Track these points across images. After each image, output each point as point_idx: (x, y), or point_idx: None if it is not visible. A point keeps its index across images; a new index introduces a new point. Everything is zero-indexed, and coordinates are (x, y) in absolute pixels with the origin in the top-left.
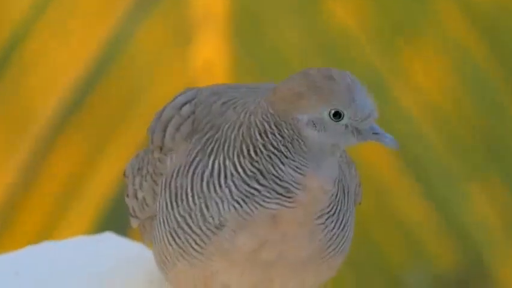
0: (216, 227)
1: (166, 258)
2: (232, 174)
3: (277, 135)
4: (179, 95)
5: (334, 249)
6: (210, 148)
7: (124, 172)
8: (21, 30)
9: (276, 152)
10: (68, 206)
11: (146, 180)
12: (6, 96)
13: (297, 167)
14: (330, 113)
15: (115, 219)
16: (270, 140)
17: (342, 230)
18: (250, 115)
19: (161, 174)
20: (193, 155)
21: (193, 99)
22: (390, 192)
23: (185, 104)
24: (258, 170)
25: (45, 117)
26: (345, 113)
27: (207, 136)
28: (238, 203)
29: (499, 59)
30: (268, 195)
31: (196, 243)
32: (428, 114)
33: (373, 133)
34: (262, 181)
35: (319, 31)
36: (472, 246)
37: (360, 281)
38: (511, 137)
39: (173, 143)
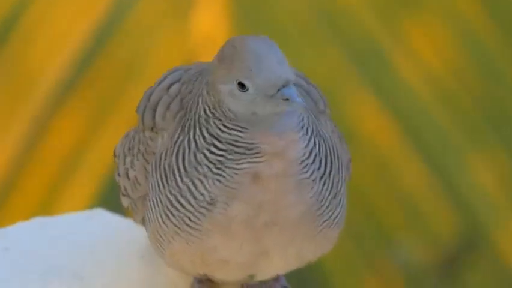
0: (209, 203)
1: (161, 237)
2: (202, 147)
3: (211, 104)
4: (166, 76)
5: (328, 218)
6: (186, 126)
7: (114, 152)
8: (21, 2)
9: (218, 117)
10: (66, 181)
11: (138, 159)
12: (5, 71)
13: (240, 129)
14: (237, 83)
15: (113, 194)
16: (209, 108)
17: (334, 197)
18: (202, 86)
19: (153, 153)
20: (176, 136)
21: (180, 79)
22: (390, 161)
23: (172, 84)
24: (214, 137)
25: (43, 91)
26: (247, 83)
27: (186, 115)
28: (219, 174)
29: (500, 29)
30: (234, 157)
31: (191, 220)
32: (429, 84)
33: (283, 99)
34: (221, 146)
35: (321, 2)
36: (471, 214)
37: (359, 248)
38: (511, 106)
39: (164, 122)
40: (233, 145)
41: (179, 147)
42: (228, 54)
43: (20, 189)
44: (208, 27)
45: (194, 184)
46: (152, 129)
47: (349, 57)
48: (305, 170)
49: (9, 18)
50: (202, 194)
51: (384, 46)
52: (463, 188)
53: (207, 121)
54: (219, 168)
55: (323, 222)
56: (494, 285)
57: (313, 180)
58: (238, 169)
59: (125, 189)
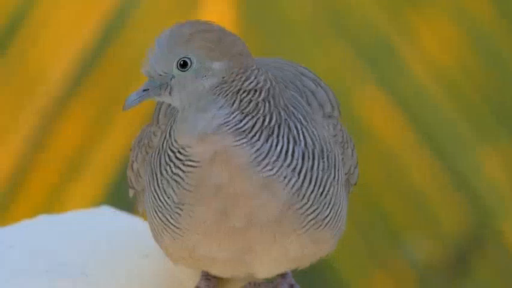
0: (178, 207)
1: (155, 230)
2: (163, 148)
3: None
4: None
5: (314, 218)
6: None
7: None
8: (26, 3)
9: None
10: (71, 179)
11: (141, 152)
12: (12, 68)
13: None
14: None
15: (119, 193)
16: None
17: (320, 195)
18: None
19: (154, 147)
20: (163, 136)
21: None
22: (400, 157)
23: None
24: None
25: (49, 91)
26: None
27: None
28: (175, 180)
29: (508, 24)
30: (176, 165)
31: (172, 218)
32: (438, 80)
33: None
34: (173, 149)
35: None
36: (481, 210)
37: (368, 245)
38: None
39: (165, 119)
40: (171, 149)
41: (159, 149)
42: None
43: (26, 188)
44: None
45: (164, 187)
46: (158, 123)
47: (357, 53)
48: (268, 167)
49: (15, 19)
50: (171, 196)
51: (393, 42)
52: (473, 184)
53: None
54: (174, 174)
55: (309, 222)
56: (504, 280)
57: (284, 177)
58: (186, 173)
59: (131, 181)
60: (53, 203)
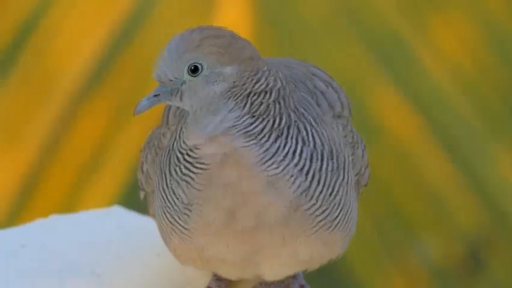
0: (187, 206)
1: (163, 232)
2: (172, 149)
3: None
4: None
5: (324, 219)
6: (178, 129)
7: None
8: (42, 3)
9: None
10: (87, 180)
11: (151, 154)
12: (27, 70)
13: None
14: None
15: (134, 193)
16: None
17: (329, 196)
18: None
19: (164, 148)
20: (172, 138)
21: None
22: (415, 155)
23: None
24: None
25: (65, 91)
26: None
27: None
28: (185, 181)
29: None
30: (191, 162)
31: (180, 219)
32: (453, 77)
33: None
34: (185, 148)
35: None
36: (496, 208)
37: (382, 242)
38: None
39: (175, 120)
40: (180, 150)
41: (169, 149)
42: None
43: (40, 190)
44: (232, 23)
45: (173, 188)
46: (167, 124)
47: (373, 53)
48: (272, 166)
49: (31, 19)
50: (180, 197)
51: (409, 42)
52: (488, 182)
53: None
54: (184, 174)
55: (318, 223)
56: None
57: (291, 176)
58: (196, 174)
59: (141, 183)
60: (67, 205)
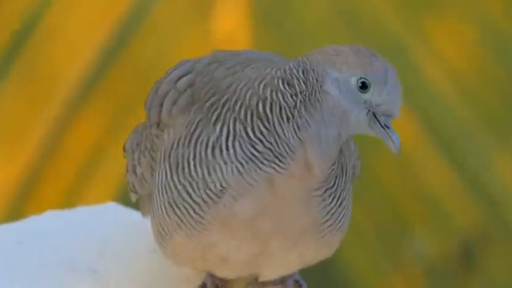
0: (216, 194)
1: (164, 230)
2: (241, 136)
3: (302, 82)
4: (174, 69)
5: (331, 225)
6: (215, 115)
7: (124, 146)
8: (42, 4)
9: (288, 103)
10: (85, 179)
11: (144, 156)
12: (27, 71)
13: (298, 128)
14: (358, 80)
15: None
16: (290, 89)
17: (339, 206)
18: (276, 70)
19: (159, 150)
20: (194, 125)
21: (190, 71)
22: (412, 157)
23: (181, 77)
24: (266, 128)
25: (65, 92)
26: (372, 88)
27: (209, 102)
28: (241, 164)
29: None
30: (266, 157)
31: (195, 212)
32: (450, 77)
33: (384, 125)
34: (266, 143)
35: (343, 2)
36: (490, 208)
37: (379, 240)
38: None
39: (170, 118)
40: (277, 143)
41: (199, 135)
42: (366, 55)
43: (38, 189)
44: (230, 27)
45: (209, 172)
46: (158, 125)
47: None
48: (320, 188)
49: (31, 20)
50: (213, 182)
51: (407, 44)
52: (484, 182)
53: (270, 110)
54: (246, 160)
55: (327, 228)
56: None
57: (323, 198)
58: (261, 169)
59: (133, 186)
60: (66, 203)
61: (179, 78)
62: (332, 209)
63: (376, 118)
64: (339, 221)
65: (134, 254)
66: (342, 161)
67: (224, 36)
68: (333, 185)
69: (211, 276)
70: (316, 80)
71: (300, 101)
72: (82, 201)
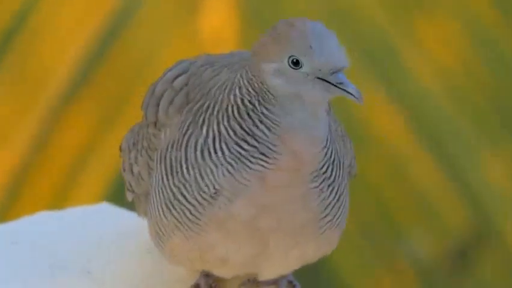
0: (211, 197)
1: (161, 231)
2: (226, 137)
3: (251, 90)
4: (170, 69)
5: (330, 220)
6: (201, 118)
7: (120, 146)
8: (30, 1)
9: (252, 108)
10: (76, 177)
11: (141, 155)
12: (15, 69)
13: (271, 126)
14: (289, 60)
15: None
16: (245, 95)
17: (337, 200)
18: (236, 74)
19: (156, 149)
20: (185, 128)
21: (186, 71)
22: (402, 156)
23: (177, 76)
24: (244, 130)
25: (54, 89)
26: (303, 60)
27: (197, 105)
28: (231, 165)
29: (510, 23)
30: (253, 155)
31: (192, 214)
32: (439, 77)
33: (337, 83)
34: (250, 141)
35: (332, 1)
36: (482, 208)
37: (370, 241)
38: None
39: (167, 117)
40: (259, 143)
41: (189, 138)
42: (283, 32)
43: (30, 185)
44: (217, 26)
45: (201, 175)
46: (155, 124)
47: (361, 55)
48: (316, 179)
49: (19, 16)
50: (207, 185)
51: (397, 45)
52: (474, 183)
53: (238, 113)
54: (235, 161)
55: (326, 223)
56: (505, 278)
57: (320, 189)
58: (250, 168)
59: (130, 185)
60: (56, 202)
61: (176, 77)
62: (330, 203)
63: (327, 81)
64: (338, 217)
65: (128, 255)
66: (339, 156)
67: (212, 33)
68: (330, 176)
69: (205, 276)
70: (261, 83)
71: (259, 102)
72: (73, 200)
